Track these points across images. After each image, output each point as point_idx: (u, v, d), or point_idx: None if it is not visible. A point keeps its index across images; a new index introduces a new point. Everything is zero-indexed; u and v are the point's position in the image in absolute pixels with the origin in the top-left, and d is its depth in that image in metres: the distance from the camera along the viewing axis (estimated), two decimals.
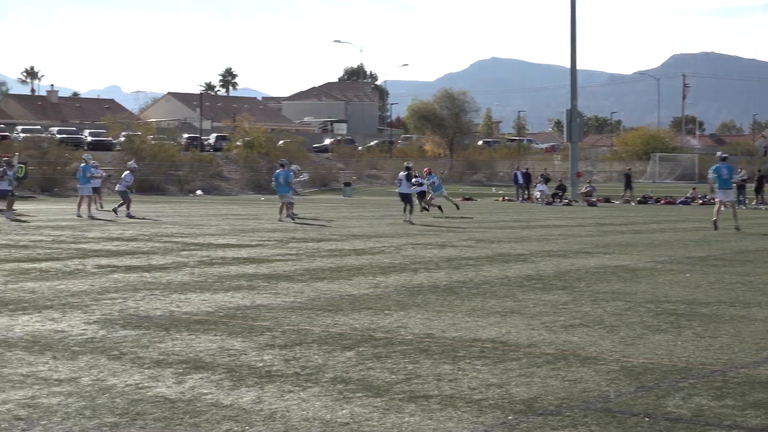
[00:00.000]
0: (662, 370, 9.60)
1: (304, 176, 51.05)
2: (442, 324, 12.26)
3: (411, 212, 36.25)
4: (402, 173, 37.49)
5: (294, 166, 39.77)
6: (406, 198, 36.66)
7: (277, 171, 37.32)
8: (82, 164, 40.74)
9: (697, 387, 8.88)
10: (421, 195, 41.79)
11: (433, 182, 44.42)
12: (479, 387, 8.80)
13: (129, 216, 37.72)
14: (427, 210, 42.37)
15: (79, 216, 37.69)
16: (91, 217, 37.07)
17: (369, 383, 8.92)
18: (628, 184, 65.61)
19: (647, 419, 7.78)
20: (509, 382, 9.01)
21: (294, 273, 18.01)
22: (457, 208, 45.07)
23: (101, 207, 43.25)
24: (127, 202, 39.29)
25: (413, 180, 38.09)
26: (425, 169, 47.87)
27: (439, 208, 42.32)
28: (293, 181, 37.32)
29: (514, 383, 8.95)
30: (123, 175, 40.88)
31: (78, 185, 40.71)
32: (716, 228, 31.38)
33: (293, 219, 35.56)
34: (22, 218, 36.54)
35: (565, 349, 10.61)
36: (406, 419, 7.74)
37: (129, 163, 44.98)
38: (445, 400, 8.34)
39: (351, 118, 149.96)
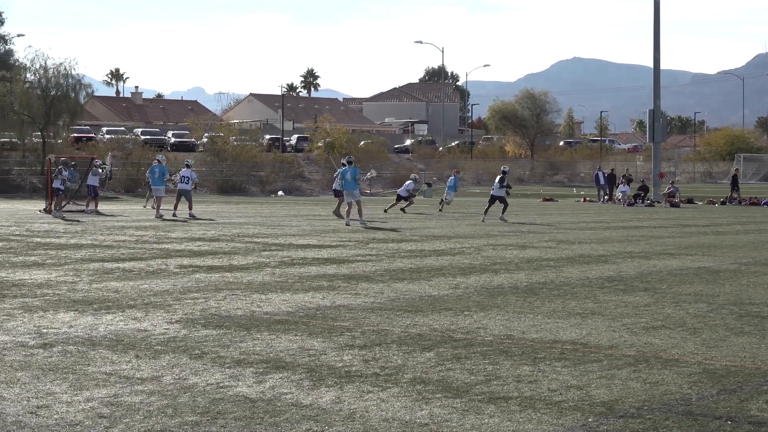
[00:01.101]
0: (745, 373, 9.49)
1: (372, 173, 50.86)
2: (522, 325, 12.23)
3: (503, 211, 37.67)
4: (498, 177, 39.06)
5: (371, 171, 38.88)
6: (499, 199, 38.04)
7: (344, 168, 36.18)
8: (156, 164, 40.16)
9: None
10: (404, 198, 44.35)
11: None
12: (559, 389, 8.78)
13: (191, 216, 37.39)
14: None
15: (160, 216, 37.13)
16: (161, 217, 36.59)
17: (448, 384, 8.92)
18: (735, 185, 64.22)
19: (729, 423, 7.71)
20: (589, 383, 8.97)
21: (374, 273, 18.06)
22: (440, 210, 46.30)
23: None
24: (189, 201, 38.85)
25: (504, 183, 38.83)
26: (454, 171, 52.52)
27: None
28: (361, 178, 36.38)
29: (594, 385, 8.91)
30: (182, 173, 39.95)
31: (152, 186, 40.04)
32: None
33: (364, 223, 33.67)
34: (100, 216, 37.01)
35: (646, 351, 10.53)
36: (486, 420, 7.75)
37: (186, 160, 43.95)
38: (525, 401, 8.33)
39: (432, 118, 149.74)
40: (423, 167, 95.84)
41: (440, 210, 45.34)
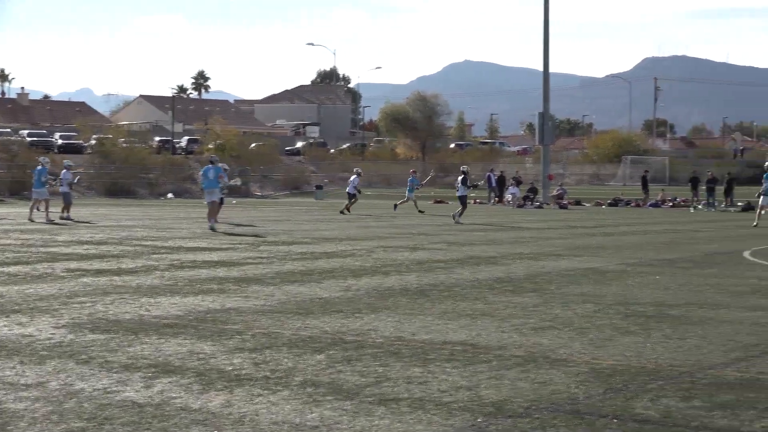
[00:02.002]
0: (631, 371, 9.63)
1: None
2: (413, 327, 12.26)
3: (461, 214, 38.99)
4: (460, 177, 40.39)
5: (223, 164, 37.44)
6: (460, 200, 39.61)
7: (207, 167, 34.84)
8: (39, 167, 38.69)
9: (665, 388, 8.93)
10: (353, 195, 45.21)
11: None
12: (449, 389, 8.81)
13: (65, 219, 36.71)
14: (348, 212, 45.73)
15: (32, 220, 36.27)
16: (51, 222, 35.78)
17: (339, 386, 8.91)
18: (645, 186, 65.11)
19: (616, 421, 7.81)
20: (479, 384, 9.02)
21: (265, 276, 17.98)
22: (394, 208, 47.84)
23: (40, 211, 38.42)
24: (67, 203, 37.93)
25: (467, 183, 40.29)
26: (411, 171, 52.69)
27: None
28: (222, 176, 35.41)
29: (483, 386, 8.96)
30: (62, 175, 39.11)
31: (34, 189, 38.38)
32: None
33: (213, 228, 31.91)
34: None
35: (534, 352, 10.64)
36: (376, 422, 7.74)
37: (65, 161, 42.98)
38: (415, 402, 8.34)
39: (323, 120, 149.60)
40: (314, 169, 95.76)
41: (420, 211, 46.96)
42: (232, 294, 15.43)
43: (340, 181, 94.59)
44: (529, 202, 59.55)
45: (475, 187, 41.57)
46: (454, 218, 38.62)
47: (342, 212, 44.37)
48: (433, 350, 10.70)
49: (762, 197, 37.39)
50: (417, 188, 49.15)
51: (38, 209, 37.98)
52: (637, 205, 61.22)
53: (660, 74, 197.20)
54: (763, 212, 37.31)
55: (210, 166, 34.67)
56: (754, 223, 37.11)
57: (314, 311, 13.55)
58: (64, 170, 39.59)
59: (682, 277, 18.37)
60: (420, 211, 46.49)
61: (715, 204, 57.72)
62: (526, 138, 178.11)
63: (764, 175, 37.64)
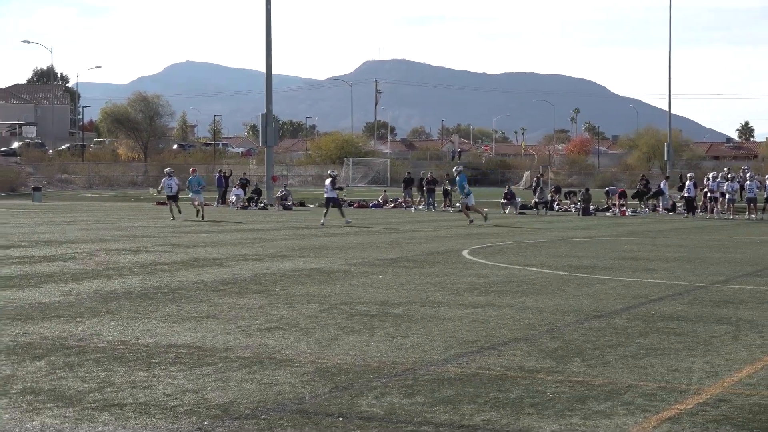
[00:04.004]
0: (356, 370, 9.78)
1: None
2: (137, 330, 12.08)
3: (342, 215, 39.62)
4: (328, 180, 40.34)
5: None
6: (333, 201, 39.73)
7: None
8: None
9: (389, 386, 9.10)
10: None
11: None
12: (174, 393, 8.73)
13: None
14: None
15: None
16: None
17: (60, 393, 8.70)
18: (448, 192, 61.10)
19: (341, 419, 7.92)
20: (205, 387, 8.98)
21: None
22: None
23: None
24: None
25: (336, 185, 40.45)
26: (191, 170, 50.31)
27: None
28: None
29: (210, 388, 8.92)
30: None
31: None
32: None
33: None
34: None
35: (261, 353, 10.66)
36: (100, 428, 7.61)
37: None
38: (140, 407, 8.24)
39: (40, 120, 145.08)
40: (32, 171, 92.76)
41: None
42: None
43: (59, 183, 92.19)
44: (254, 204, 59.58)
45: (341, 189, 41.38)
46: (322, 224, 37.38)
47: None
48: (158, 354, 10.57)
49: (468, 197, 40.47)
50: (202, 187, 45.19)
51: None
52: (361, 206, 62.12)
53: (380, 77, 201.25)
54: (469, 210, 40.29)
55: None
56: (470, 221, 38.59)
57: (33, 317, 13.15)
58: None
59: (405, 276, 18.79)
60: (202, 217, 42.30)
61: (435, 204, 59.15)
62: (249, 140, 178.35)
63: (456, 179, 41.22)
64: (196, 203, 43.19)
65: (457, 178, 41.09)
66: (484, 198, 60.37)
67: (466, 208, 40.71)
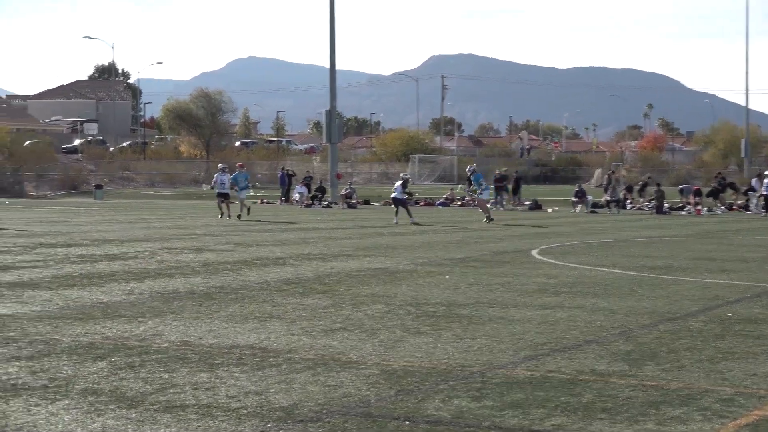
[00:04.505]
0: (422, 372, 9.60)
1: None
2: (199, 331, 11.98)
3: (409, 215, 39.10)
4: (399, 182, 40.09)
5: None
6: (401, 203, 39.69)
7: None
8: None
9: (456, 389, 8.92)
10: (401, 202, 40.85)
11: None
12: (237, 395, 8.62)
13: None
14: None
15: None
16: None
17: (122, 394, 8.62)
18: (517, 190, 60.51)
19: (408, 423, 7.75)
20: (268, 389, 8.85)
21: (41, 280, 17.34)
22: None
23: None
24: None
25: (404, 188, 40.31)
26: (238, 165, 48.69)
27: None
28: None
29: (273, 390, 8.80)
30: None
31: None
32: None
33: None
34: None
35: (325, 354, 10.50)
36: (162, 430, 7.53)
37: None
38: (203, 409, 8.14)
39: (102, 117, 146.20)
40: (93, 168, 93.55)
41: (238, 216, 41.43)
42: (6, 299, 14.80)
43: (120, 181, 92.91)
44: (317, 202, 59.55)
45: (411, 195, 42.22)
46: (396, 223, 37.69)
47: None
48: (221, 355, 10.45)
49: (484, 193, 41.50)
50: (249, 184, 44.08)
51: None
52: (427, 204, 61.85)
53: (447, 72, 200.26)
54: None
55: None
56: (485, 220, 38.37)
57: (95, 316, 13.10)
58: None
59: (472, 276, 18.55)
60: (238, 216, 41.02)
61: (503, 202, 58.67)
62: (313, 136, 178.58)
63: (471, 178, 41.53)
64: (243, 200, 42.50)
65: (472, 177, 41.49)
66: (553, 196, 60.14)
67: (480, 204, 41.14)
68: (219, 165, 46.76)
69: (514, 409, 8.23)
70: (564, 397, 8.67)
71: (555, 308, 14.23)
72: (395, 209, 39.70)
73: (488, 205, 41.74)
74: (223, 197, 41.87)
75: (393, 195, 40.26)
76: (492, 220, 38.89)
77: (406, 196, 40.90)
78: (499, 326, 12.49)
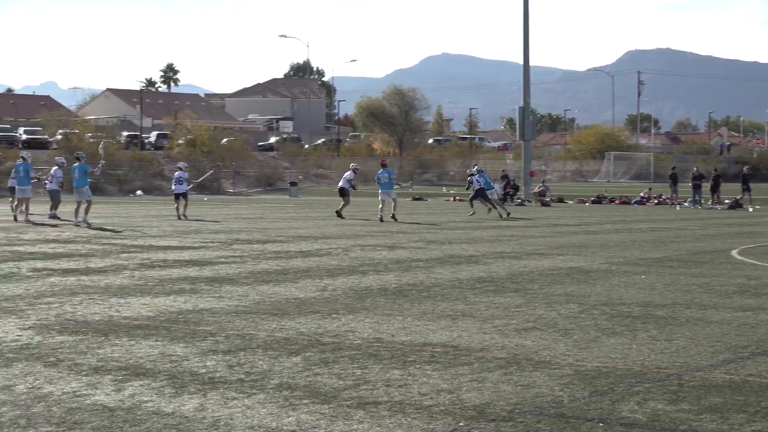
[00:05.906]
0: (617, 374, 9.43)
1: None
2: (392, 328, 12.02)
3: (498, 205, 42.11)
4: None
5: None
6: (483, 197, 42.05)
7: (74, 165, 34.18)
8: (20, 162, 36.63)
9: (652, 391, 8.73)
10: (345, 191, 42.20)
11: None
12: (429, 393, 8.61)
13: (53, 217, 35.58)
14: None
15: (16, 219, 35.18)
16: (29, 221, 34.33)
17: (316, 389, 8.70)
18: (716, 188, 58.19)
19: (602, 424, 7.63)
20: (460, 387, 8.82)
21: (238, 276, 17.70)
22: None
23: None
24: (55, 202, 36.92)
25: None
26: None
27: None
28: (92, 171, 35.02)
29: (465, 389, 8.76)
30: (52, 172, 38.24)
31: (16, 186, 36.51)
32: None
33: (88, 225, 32.16)
34: None
35: (517, 353, 10.41)
36: (355, 426, 7.56)
37: (57, 158, 41.98)
38: (395, 406, 8.15)
39: (297, 115, 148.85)
40: (288, 165, 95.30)
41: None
42: (204, 294, 15.15)
43: (314, 178, 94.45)
44: (510, 200, 59.32)
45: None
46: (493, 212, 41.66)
47: (338, 214, 39.51)
48: (413, 352, 10.46)
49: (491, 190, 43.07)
50: (398, 185, 42.68)
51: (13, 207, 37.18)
52: (623, 203, 60.92)
53: (643, 67, 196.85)
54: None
55: (77, 164, 33.82)
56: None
57: (290, 312, 13.29)
58: (56, 167, 38.75)
59: (669, 277, 18.15)
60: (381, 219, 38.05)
61: (701, 201, 57.27)
62: (506, 133, 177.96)
63: (476, 177, 42.53)
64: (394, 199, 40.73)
65: (477, 177, 42.39)
66: (758, 195, 58.25)
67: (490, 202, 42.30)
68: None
69: (712, 413, 7.99)
70: (765, 402, 8.38)
71: (756, 310, 13.77)
72: (471, 203, 42.78)
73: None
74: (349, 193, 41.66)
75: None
76: (509, 214, 41.35)
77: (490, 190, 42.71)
78: (697, 328, 12.17)
